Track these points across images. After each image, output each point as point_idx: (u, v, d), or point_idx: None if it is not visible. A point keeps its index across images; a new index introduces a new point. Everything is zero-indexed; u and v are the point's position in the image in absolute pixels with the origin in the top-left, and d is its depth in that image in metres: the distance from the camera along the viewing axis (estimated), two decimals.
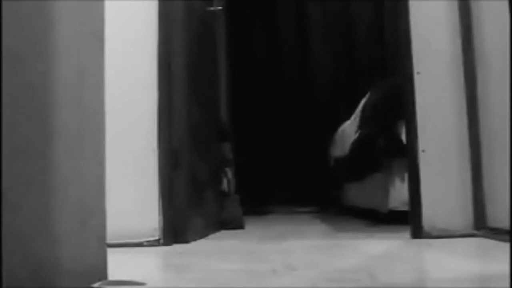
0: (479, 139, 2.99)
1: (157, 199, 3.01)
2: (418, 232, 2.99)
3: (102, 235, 1.80)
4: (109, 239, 1.85)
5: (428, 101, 3.07)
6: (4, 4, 1.36)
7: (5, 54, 1.35)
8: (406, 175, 3.26)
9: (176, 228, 3.03)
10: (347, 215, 5.12)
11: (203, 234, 3.35)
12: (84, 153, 1.71)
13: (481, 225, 2.94)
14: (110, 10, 2.06)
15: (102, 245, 1.79)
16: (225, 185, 4.24)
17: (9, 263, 1.32)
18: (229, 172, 4.36)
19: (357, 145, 4.31)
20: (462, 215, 2.99)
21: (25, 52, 1.46)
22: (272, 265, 2.14)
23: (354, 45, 6.15)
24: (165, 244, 2.96)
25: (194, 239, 3.13)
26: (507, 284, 1.55)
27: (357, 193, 4.84)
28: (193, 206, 3.25)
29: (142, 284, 1.76)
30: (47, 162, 1.52)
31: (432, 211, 3.00)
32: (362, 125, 4.41)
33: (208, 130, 3.84)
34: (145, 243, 2.95)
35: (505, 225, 2.58)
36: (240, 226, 4.13)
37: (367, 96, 4.62)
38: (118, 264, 1.98)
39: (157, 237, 2.98)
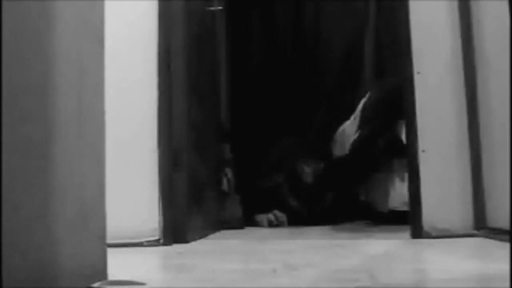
0: (479, 139, 2.99)
1: (157, 199, 3.01)
2: (418, 232, 2.99)
3: (102, 235, 1.80)
4: (109, 239, 1.85)
5: (428, 101, 3.07)
6: (4, 4, 1.36)
7: (5, 54, 1.35)
8: (406, 175, 3.26)
9: (176, 228, 3.03)
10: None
11: (203, 234, 3.35)
12: (84, 153, 1.71)
13: (481, 225, 2.94)
14: (110, 10, 2.06)
15: (102, 245, 1.79)
16: (225, 185, 4.24)
17: (9, 263, 1.32)
18: (229, 172, 4.36)
19: (357, 145, 4.31)
20: (462, 215, 2.99)
21: (25, 52, 1.46)
22: (272, 265, 2.14)
23: (354, 44, 6.15)
24: (165, 244, 2.96)
25: (194, 239, 3.13)
26: (507, 284, 1.55)
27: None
28: (193, 206, 3.25)
29: (142, 284, 1.76)
30: (47, 162, 1.51)
31: (432, 211, 3.00)
32: (362, 125, 4.41)
33: (208, 130, 3.84)
34: (145, 243, 2.95)
35: (505, 225, 2.58)
36: (240, 226, 4.13)
37: (367, 96, 4.62)
38: (118, 264, 1.98)
39: (157, 237, 2.98)
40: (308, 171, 4.87)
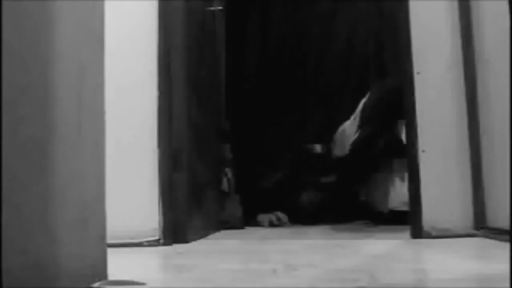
0: (479, 139, 2.99)
1: (157, 199, 3.01)
2: (418, 232, 2.99)
3: (102, 235, 1.80)
4: (109, 239, 1.85)
5: (428, 101, 3.08)
6: (4, 4, 1.36)
7: (5, 54, 1.35)
8: (406, 175, 3.26)
9: (176, 228, 3.03)
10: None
11: (203, 234, 3.35)
12: (84, 153, 1.71)
13: (481, 225, 2.94)
14: (110, 10, 2.06)
15: (102, 245, 1.79)
16: (225, 185, 4.24)
17: (9, 263, 1.32)
18: (229, 172, 4.37)
19: (357, 145, 4.31)
20: (462, 215, 2.99)
21: (25, 52, 1.46)
22: (272, 265, 2.14)
23: (353, 44, 6.15)
24: (165, 244, 2.96)
25: (194, 239, 3.13)
26: (507, 284, 1.55)
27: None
28: (193, 206, 3.25)
29: (142, 284, 1.76)
30: (47, 162, 1.51)
31: (432, 211, 3.00)
32: (362, 125, 4.41)
33: (208, 130, 3.84)
34: (145, 243, 2.95)
35: (505, 225, 2.58)
36: (240, 226, 4.13)
37: (367, 96, 4.62)
38: (118, 264, 1.98)
39: (157, 237, 2.98)
40: (318, 144, 4.95)
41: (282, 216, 4.46)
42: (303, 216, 4.48)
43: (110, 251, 1.82)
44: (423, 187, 3.03)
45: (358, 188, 4.62)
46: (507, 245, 2.37)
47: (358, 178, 4.55)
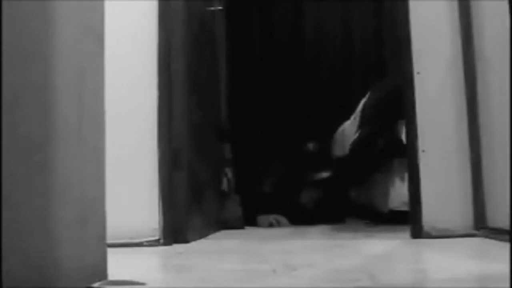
0: (479, 139, 2.99)
1: (157, 199, 3.01)
2: (418, 232, 2.99)
3: (102, 235, 1.80)
4: (109, 239, 1.85)
5: (428, 101, 3.08)
6: (4, 4, 1.36)
7: (5, 54, 1.35)
8: (406, 175, 3.26)
9: (176, 228, 3.03)
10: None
11: (203, 234, 3.35)
12: (84, 153, 1.71)
13: (481, 225, 2.94)
14: (110, 10, 2.06)
15: (102, 245, 1.79)
16: (225, 185, 4.24)
17: (9, 263, 1.32)
18: (229, 172, 4.37)
19: (357, 145, 4.32)
20: (462, 215, 2.99)
21: (25, 52, 1.46)
22: (272, 265, 2.14)
23: (353, 44, 6.15)
24: (165, 244, 2.96)
25: (194, 239, 3.13)
26: (507, 284, 1.55)
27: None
28: (193, 206, 3.25)
29: (142, 284, 1.76)
30: (47, 162, 1.51)
31: (432, 211, 3.00)
32: (362, 125, 4.41)
33: (208, 130, 3.84)
34: (145, 243, 2.95)
35: (505, 225, 2.58)
36: (240, 226, 4.13)
37: (367, 96, 4.62)
38: (118, 264, 1.98)
39: (157, 237, 2.98)
40: (311, 143, 4.99)
41: (281, 219, 4.46)
42: (303, 216, 4.48)
43: (110, 251, 1.82)
44: (423, 187, 3.02)
45: (358, 189, 4.62)
46: (507, 245, 2.37)
47: (358, 179, 4.55)
